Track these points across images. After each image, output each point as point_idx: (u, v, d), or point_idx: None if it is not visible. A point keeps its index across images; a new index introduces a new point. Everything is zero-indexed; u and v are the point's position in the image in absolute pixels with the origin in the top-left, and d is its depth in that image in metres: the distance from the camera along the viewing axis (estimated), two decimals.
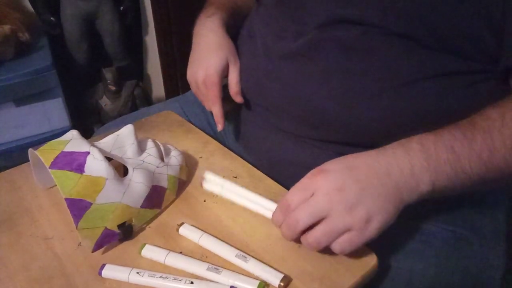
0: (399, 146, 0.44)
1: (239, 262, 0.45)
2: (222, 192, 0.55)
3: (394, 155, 0.43)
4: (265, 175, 0.59)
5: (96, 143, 0.52)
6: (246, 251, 0.47)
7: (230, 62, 0.61)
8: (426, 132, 0.44)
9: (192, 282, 0.43)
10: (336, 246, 0.42)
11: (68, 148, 0.48)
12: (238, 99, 0.64)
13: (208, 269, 0.44)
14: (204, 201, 0.55)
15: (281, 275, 0.43)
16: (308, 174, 0.44)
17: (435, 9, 0.48)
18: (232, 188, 0.54)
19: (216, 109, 0.63)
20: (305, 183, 0.44)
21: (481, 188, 0.50)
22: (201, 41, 0.65)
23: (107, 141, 0.53)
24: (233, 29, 0.68)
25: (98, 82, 1.65)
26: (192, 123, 0.73)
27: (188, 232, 0.49)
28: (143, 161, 0.53)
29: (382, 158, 0.43)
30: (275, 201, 0.51)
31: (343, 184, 0.41)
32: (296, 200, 0.43)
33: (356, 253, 0.46)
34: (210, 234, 0.49)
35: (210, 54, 0.61)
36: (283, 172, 0.60)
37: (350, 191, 0.41)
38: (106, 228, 0.47)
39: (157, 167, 0.53)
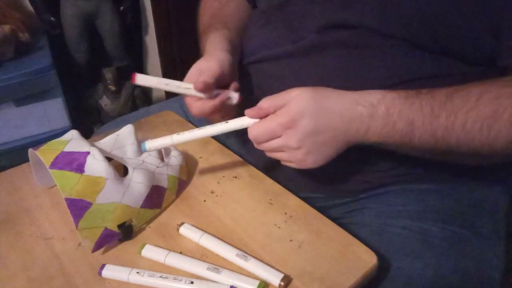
0: (370, 106, 0.46)
1: (239, 262, 0.45)
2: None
3: (361, 117, 0.46)
4: (265, 175, 0.59)
5: (96, 143, 0.52)
6: (246, 251, 0.47)
7: (202, 69, 0.57)
8: (401, 92, 0.46)
9: (192, 282, 0.43)
10: (278, 155, 0.49)
11: (68, 148, 0.48)
12: (196, 86, 0.57)
13: (208, 269, 0.44)
14: (204, 201, 0.55)
15: (281, 275, 0.43)
16: (287, 108, 0.47)
17: (434, 14, 0.48)
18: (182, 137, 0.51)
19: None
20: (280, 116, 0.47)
21: (430, 156, 0.53)
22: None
23: (107, 141, 0.53)
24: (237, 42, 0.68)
25: (98, 82, 1.65)
26: (192, 123, 0.73)
27: (188, 232, 0.49)
28: (143, 161, 0.53)
29: (349, 114, 0.46)
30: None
31: (309, 127, 0.46)
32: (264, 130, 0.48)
33: (356, 253, 0.46)
34: (210, 234, 0.49)
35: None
36: (283, 172, 0.60)
37: (310, 137, 0.46)
38: (106, 228, 0.47)
39: (157, 167, 0.53)
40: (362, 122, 0.46)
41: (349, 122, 0.46)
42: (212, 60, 0.56)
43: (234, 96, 0.57)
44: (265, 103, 0.48)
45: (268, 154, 0.51)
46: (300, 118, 0.46)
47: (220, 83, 0.56)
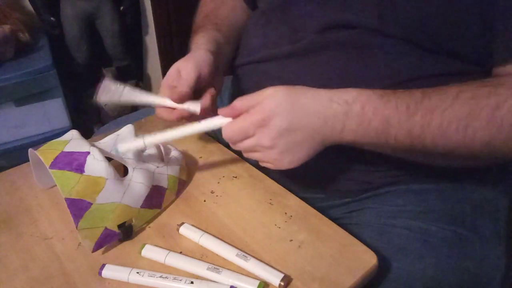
0: (345, 104, 0.45)
1: (239, 262, 0.45)
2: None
3: (335, 114, 0.45)
4: (265, 175, 0.59)
5: (96, 143, 0.52)
6: (246, 251, 0.47)
7: (181, 71, 0.57)
8: (377, 91, 0.46)
9: (192, 282, 0.43)
10: (253, 155, 0.49)
11: (68, 148, 0.48)
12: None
13: (208, 269, 0.44)
14: (204, 201, 0.55)
15: (281, 275, 0.43)
16: (259, 107, 0.46)
17: (433, 14, 0.48)
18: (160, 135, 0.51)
19: None
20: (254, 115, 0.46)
21: (410, 158, 0.52)
22: None
23: (107, 141, 0.53)
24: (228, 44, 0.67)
25: (98, 82, 1.65)
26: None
27: (188, 232, 0.49)
28: (143, 161, 0.53)
29: (324, 112, 0.45)
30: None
31: (282, 126, 0.45)
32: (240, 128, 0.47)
33: (356, 253, 0.46)
34: (210, 234, 0.49)
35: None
36: (283, 172, 0.60)
37: (283, 136, 0.46)
38: (106, 228, 0.47)
39: (157, 167, 0.53)
40: (337, 120, 0.45)
41: (324, 120, 0.45)
42: (190, 60, 0.56)
43: (196, 110, 0.56)
44: (239, 102, 0.47)
45: (245, 155, 0.50)
46: (273, 117, 0.45)
47: (198, 85, 0.56)
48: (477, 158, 0.50)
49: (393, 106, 0.45)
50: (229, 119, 0.48)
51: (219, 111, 0.48)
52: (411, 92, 0.45)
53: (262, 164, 0.50)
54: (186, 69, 0.55)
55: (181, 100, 0.54)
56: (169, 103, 0.54)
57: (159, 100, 0.55)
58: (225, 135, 0.48)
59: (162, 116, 0.56)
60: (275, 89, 0.46)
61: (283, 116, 0.45)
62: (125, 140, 0.52)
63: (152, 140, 0.50)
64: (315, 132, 0.46)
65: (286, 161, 0.47)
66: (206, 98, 0.56)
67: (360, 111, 0.45)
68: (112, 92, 0.56)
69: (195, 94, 0.56)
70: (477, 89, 0.44)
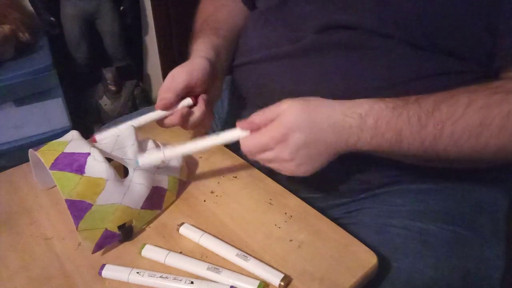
0: (358, 118, 0.46)
1: (239, 262, 0.45)
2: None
3: (350, 128, 0.47)
4: (265, 175, 0.59)
5: (97, 144, 0.52)
6: (246, 251, 0.47)
7: (174, 78, 0.58)
8: (388, 103, 0.47)
9: (192, 282, 0.43)
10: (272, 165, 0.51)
11: (69, 149, 0.48)
12: (159, 102, 0.58)
13: (208, 269, 0.44)
14: (204, 201, 0.55)
15: (281, 275, 0.43)
16: (278, 122, 0.47)
17: (432, 15, 0.49)
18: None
19: None
20: (272, 131, 0.48)
21: (422, 163, 0.53)
22: None
23: (107, 142, 0.53)
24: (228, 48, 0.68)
25: (98, 82, 1.65)
26: None
27: (188, 232, 0.49)
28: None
29: (339, 126, 0.47)
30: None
31: (300, 141, 0.47)
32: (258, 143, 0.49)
33: (356, 253, 0.46)
34: (210, 234, 0.49)
35: None
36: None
37: (301, 150, 0.47)
38: (106, 229, 0.47)
39: (158, 168, 0.54)
40: (352, 133, 0.47)
41: (339, 134, 0.47)
42: (184, 67, 0.57)
43: (189, 102, 0.58)
44: (257, 117, 0.49)
45: (262, 163, 0.51)
46: (291, 132, 0.46)
47: (189, 92, 0.58)
48: (489, 162, 0.51)
49: (405, 119, 0.45)
50: (247, 132, 0.49)
51: (238, 124, 0.50)
52: (422, 102, 0.46)
53: (277, 171, 0.51)
54: (177, 76, 0.57)
55: (165, 107, 0.56)
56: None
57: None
58: (244, 148, 0.50)
59: (167, 124, 0.58)
60: (292, 104, 0.47)
61: (301, 131, 0.46)
62: (145, 153, 0.54)
63: (172, 152, 0.52)
64: (330, 145, 0.47)
65: (302, 171, 0.49)
66: (200, 105, 0.59)
67: (373, 124, 0.46)
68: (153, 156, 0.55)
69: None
70: (488, 97, 0.45)
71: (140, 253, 0.47)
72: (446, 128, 0.45)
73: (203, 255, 0.47)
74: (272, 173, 0.59)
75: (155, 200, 0.52)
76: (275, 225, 0.51)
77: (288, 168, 0.49)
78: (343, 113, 0.47)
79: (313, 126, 0.46)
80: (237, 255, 0.46)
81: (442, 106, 0.45)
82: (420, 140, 0.46)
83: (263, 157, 0.50)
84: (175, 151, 0.52)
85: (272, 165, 0.51)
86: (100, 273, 0.45)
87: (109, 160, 0.49)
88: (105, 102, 1.65)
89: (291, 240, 0.48)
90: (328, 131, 0.47)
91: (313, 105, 0.47)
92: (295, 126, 0.46)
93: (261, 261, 0.45)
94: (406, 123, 0.45)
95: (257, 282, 0.43)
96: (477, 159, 0.47)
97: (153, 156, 0.52)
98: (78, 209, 0.45)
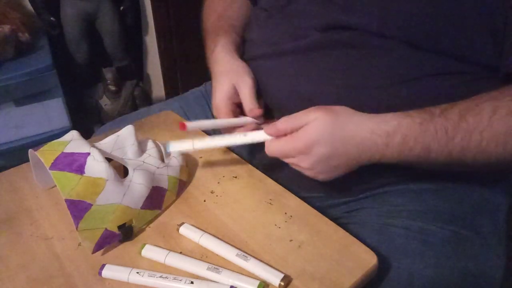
0: (386, 136, 0.46)
1: (239, 262, 0.45)
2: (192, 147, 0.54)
3: (376, 146, 0.47)
4: (265, 175, 0.59)
5: (97, 144, 0.52)
6: (246, 251, 0.47)
7: (237, 86, 0.60)
8: (416, 118, 0.47)
9: (192, 282, 0.43)
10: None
11: (68, 149, 0.48)
12: (251, 113, 0.60)
13: (208, 269, 0.44)
14: (204, 201, 0.55)
15: (281, 275, 0.43)
16: (303, 134, 0.48)
17: (433, 16, 0.49)
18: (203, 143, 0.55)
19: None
20: (297, 140, 0.48)
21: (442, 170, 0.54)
22: (214, 69, 0.64)
23: (107, 142, 0.53)
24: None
25: (98, 82, 1.65)
26: None
27: (188, 232, 0.49)
28: (144, 162, 0.53)
29: (365, 143, 0.47)
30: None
31: (323, 155, 0.48)
32: (282, 149, 0.50)
33: (356, 253, 0.46)
34: (210, 234, 0.49)
35: (217, 83, 0.61)
36: (283, 172, 0.61)
37: (322, 162, 0.48)
38: (106, 229, 0.47)
39: (158, 168, 0.53)
40: (377, 150, 0.47)
41: (363, 150, 0.47)
42: (246, 74, 0.59)
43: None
44: (283, 124, 0.50)
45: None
46: (315, 146, 0.47)
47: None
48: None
49: (433, 133, 0.46)
50: (271, 136, 0.51)
51: (264, 128, 0.51)
52: (448, 114, 0.46)
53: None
54: (246, 85, 0.58)
55: (260, 114, 0.59)
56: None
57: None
58: (268, 151, 0.51)
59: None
60: (320, 115, 0.47)
61: (325, 146, 0.47)
62: (175, 141, 0.55)
63: (201, 144, 0.54)
64: (352, 159, 0.48)
65: (320, 178, 0.50)
66: (261, 109, 0.60)
67: (401, 141, 0.46)
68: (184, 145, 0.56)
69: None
70: (511, 105, 0.45)
71: (140, 253, 0.47)
72: (473, 139, 0.45)
73: (203, 255, 0.47)
74: (272, 173, 0.59)
75: (155, 200, 0.52)
76: (275, 225, 0.51)
77: (307, 173, 0.51)
78: (371, 130, 0.47)
79: (338, 141, 0.47)
80: (237, 255, 0.46)
81: (467, 116, 0.46)
82: (447, 152, 0.46)
83: (284, 161, 0.51)
84: (204, 143, 0.54)
85: (293, 167, 0.52)
86: (100, 273, 0.45)
87: (109, 160, 0.49)
88: (105, 102, 1.65)
89: (291, 240, 0.48)
90: (353, 147, 0.47)
91: (342, 121, 0.47)
92: (320, 140, 0.47)
93: (261, 261, 0.45)
94: (434, 137, 0.46)
95: (257, 282, 0.43)
96: (505, 164, 0.48)
97: (183, 144, 0.54)
98: (78, 209, 0.45)
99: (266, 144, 0.51)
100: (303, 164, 0.49)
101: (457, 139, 0.46)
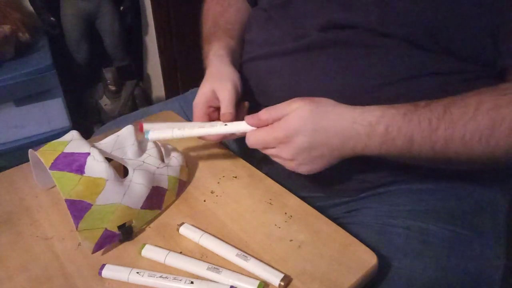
0: (368, 126, 0.46)
1: (239, 262, 0.45)
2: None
3: (358, 135, 0.46)
4: (265, 175, 0.59)
5: (96, 144, 0.52)
6: (246, 251, 0.47)
7: (217, 90, 0.58)
8: (400, 109, 0.46)
9: (192, 282, 0.43)
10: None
11: (68, 149, 0.48)
12: (223, 118, 0.58)
13: (208, 269, 0.44)
14: (204, 201, 0.55)
15: (281, 275, 0.43)
16: (284, 123, 0.47)
17: (433, 15, 0.49)
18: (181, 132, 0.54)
19: None
20: (278, 128, 0.48)
21: (429, 165, 0.53)
22: (206, 71, 0.64)
23: (107, 142, 0.53)
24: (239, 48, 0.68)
25: (98, 82, 1.65)
26: None
27: (188, 232, 0.49)
28: (143, 162, 0.53)
29: (346, 133, 0.46)
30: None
31: (304, 144, 0.47)
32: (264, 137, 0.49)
33: (356, 253, 0.46)
34: (210, 234, 0.49)
35: (200, 86, 0.60)
36: (283, 172, 0.60)
37: (303, 152, 0.47)
38: (106, 229, 0.47)
39: (158, 168, 0.53)
40: (359, 140, 0.46)
41: (345, 140, 0.47)
42: (228, 80, 0.58)
43: (246, 129, 0.57)
44: (264, 114, 0.49)
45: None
46: (296, 135, 0.46)
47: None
48: (498, 164, 0.51)
49: (416, 123, 0.45)
50: (253, 127, 0.51)
51: (246, 118, 0.51)
52: (432, 106, 0.46)
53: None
54: (230, 90, 0.57)
55: (232, 119, 0.56)
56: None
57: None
58: (248, 142, 0.51)
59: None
60: (301, 105, 0.47)
61: (305, 136, 0.46)
62: (156, 129, 0.55)
63: (180, 132, 0.54)
64: (335, 149, 0.47)
65: (303, 170, 0.50)
66: (245, 113, 0.59)
67: (383, 131, 0.46)
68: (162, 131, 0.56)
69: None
70: (497, 99, 0.45)
71: (140, 253, 0.47)
72: (456, 131, 0.45)
73: (203, 255, 0.47)
74: (272, 173, 0.59)
75: (155, 200, 0.52)
76: (275, 225, 0.51)
77: (289, 165, 0.50)
78: (353, 119, 0.46)
79: (319, 131, 0.46)
80: (237, 255, 0.46)
81: (452, 109, 0.45)
82: (431, 144, 0.46)
83: (265, 152, 0.51)
84: (184, 132, 0.54)
85: (275, 159, 0.51)
86: (100, 273, 0.45)
87: (109, 160, 0.49)
88: (105, 102, 1.65)
89: (291, 240, 0.48)
90: (334, 136, 0.47)
91: (323, 110, 0.47)
92: (300, 130, 0.46)
93: (261, 261, 0.45)
94: (417, 127, 0.45)
95: (257, 282, 0.43)
96: (488, 161, 0.47)
97: (162, 133, 0.54)
98: (78, 209, 0.45)
99: (247, 135, 0.51)
100: (283, 154, 0.48)
101: (440, 130, 0.45)
